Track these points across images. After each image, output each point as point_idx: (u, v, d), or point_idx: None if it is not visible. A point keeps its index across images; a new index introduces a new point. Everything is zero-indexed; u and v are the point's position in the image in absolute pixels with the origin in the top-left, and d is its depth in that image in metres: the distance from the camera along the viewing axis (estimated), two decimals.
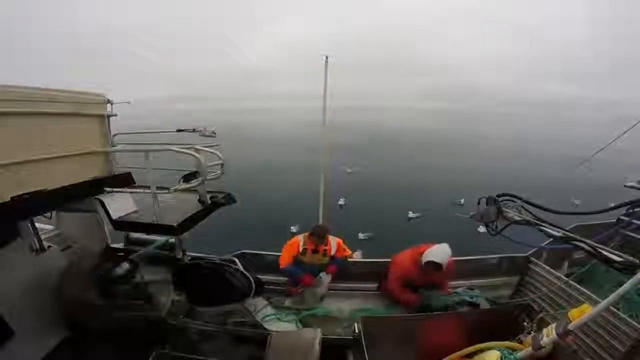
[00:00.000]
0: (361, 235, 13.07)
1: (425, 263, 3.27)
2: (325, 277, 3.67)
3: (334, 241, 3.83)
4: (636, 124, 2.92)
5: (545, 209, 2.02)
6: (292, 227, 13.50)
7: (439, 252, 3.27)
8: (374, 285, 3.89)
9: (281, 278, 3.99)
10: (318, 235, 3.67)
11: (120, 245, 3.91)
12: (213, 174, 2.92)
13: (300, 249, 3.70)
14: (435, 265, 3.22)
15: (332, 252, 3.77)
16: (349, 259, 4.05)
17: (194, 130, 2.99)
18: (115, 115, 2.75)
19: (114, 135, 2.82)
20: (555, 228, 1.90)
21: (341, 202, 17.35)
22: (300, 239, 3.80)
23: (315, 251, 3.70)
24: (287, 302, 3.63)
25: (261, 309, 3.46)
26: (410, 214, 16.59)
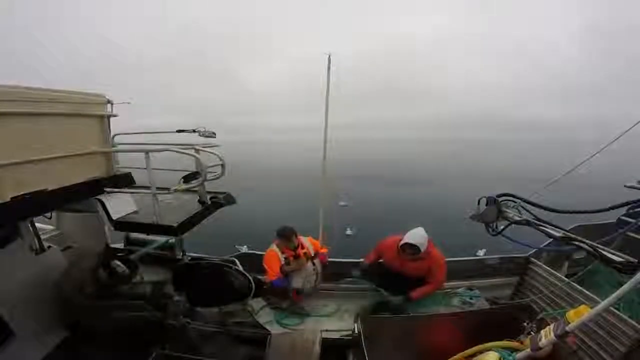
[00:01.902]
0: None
1: (401, 247, 3.26)
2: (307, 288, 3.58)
3: (306, 241, 3.67)
4: (635, 124, 2.91)
5: (545, 209, 2.01)
6: None
7: (412, 234, 3.25)
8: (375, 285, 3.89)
9: None
10: (286, 238, 3.46)
11: (120, 245, 3.91)
12: (213, 174, 2.92)
13: (282, 260, 3.45)
14: (410, 248, 3.19)
15: (312, 253, 3.62)
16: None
17: (194, 131, 2.99)
18: (116, 115, 2.75)
19: (114, 135, 2.82)
20: (555, 228, 1.89)
21: (349, 232, 17.13)
22: (275, 251, 3.51)
23: (296, 257, 3.50)
24: (286, 304, 3.63)
25: (261, 309, 3.46)
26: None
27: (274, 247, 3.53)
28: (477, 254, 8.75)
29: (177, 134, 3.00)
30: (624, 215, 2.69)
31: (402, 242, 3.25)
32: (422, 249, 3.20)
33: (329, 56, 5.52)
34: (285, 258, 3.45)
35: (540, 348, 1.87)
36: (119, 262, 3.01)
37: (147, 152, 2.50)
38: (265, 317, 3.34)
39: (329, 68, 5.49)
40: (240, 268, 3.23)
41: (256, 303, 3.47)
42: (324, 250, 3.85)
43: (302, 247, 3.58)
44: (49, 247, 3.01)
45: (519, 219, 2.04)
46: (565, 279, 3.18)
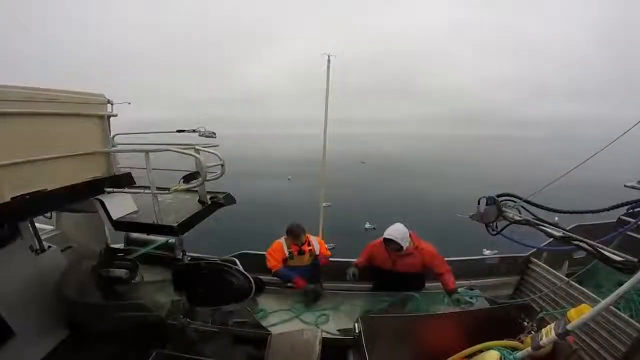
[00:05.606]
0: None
1: (383, 242, 3.31)
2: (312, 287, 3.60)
3: (314, 240, 3.82)
4: (636, 124, 2.92)
5: (546, 209, 2.02)
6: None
7: (391, 229, 3.29)
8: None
9: None
10: (295, 235, 3.61)
11: (120, 245, 3.92)
12: (213, 174, 2.92)
13: (287, 253, 3.63)
14: (391, 243, 3.22)
15: (317, 251, 3.75)
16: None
17: (194, 131, 2.99)
18: (116, 115, 2.75)
19: (114, 135, 2.82)
20: (555, 228, 1.89)
21: (367, 225, 17.13)
22: (282, 243, 3.70)
23: (300, 252, 3.67)
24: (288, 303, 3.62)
25: (261, 308, 3.46)
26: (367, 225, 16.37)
27: (281, 239, 3.72)
28: (484, 252, 8.84)
29: (177, 133, 3.00)
30: (624, 215, 2.70)
31: (382, 237, 3.30)
32: (404, 244, 3.22)
33: (329, 56, 5.55)
34: (290, 252, 3.63)
35: (541, 347, 1.87)
36: (119, 262, 3.01)
37: (147, 152, 2.50)
38: (265, 316, 3.34)
39: (328, 67, 5.52)
40: (241, 268, 3.23)
41: (256, 303, 3.47)
42: (327, 253, 3.87)
43: (309, 245, 3.71)
44: (49, 247, 3.01)
45: (519, 218, 2.04)
46: (566, 278, 3.18)
